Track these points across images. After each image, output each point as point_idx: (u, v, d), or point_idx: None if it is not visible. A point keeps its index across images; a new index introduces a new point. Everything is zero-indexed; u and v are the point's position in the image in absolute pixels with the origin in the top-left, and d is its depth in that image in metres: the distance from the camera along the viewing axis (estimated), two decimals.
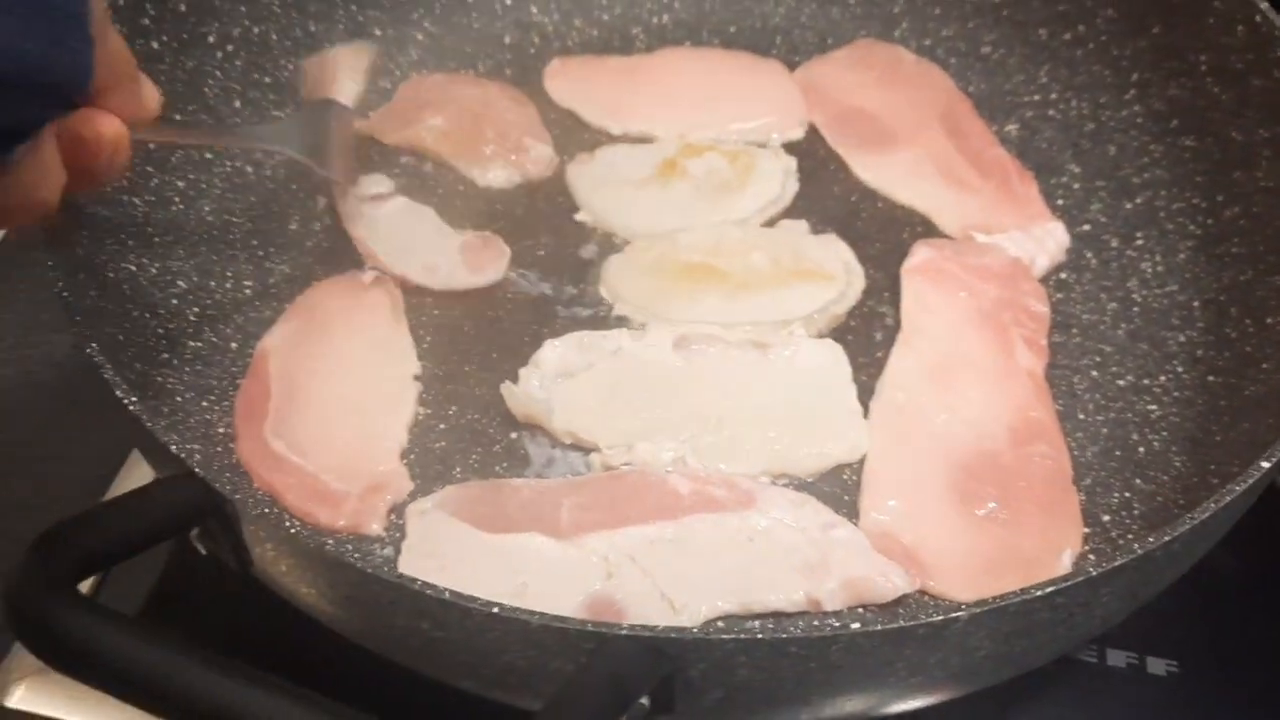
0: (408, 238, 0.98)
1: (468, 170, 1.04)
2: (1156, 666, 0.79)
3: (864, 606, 0.76)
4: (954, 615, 0.53)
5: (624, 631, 0.53)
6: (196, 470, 0.57)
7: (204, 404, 0.84)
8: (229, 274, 0.94)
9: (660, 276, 0.96)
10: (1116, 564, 0.55)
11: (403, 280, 0.95)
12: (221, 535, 0.59)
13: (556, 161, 1.06)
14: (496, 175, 1.04)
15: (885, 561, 0.77)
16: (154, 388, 0.80)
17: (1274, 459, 0.61)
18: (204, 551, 0.60)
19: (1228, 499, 0.58)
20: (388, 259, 0.96)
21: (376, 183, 1.02)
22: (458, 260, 0.97)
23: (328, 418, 0.85)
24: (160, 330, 0.85)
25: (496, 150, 1.05)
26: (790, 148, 1.06)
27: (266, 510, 0.58)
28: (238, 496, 0.56)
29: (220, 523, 0.58)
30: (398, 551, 0.78)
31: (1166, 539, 0.56)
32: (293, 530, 0.57)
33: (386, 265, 0.95)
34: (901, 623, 0.53)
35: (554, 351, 0.90)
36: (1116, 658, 0.79)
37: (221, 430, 0.83)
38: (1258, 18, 0.91)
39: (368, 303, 0.92)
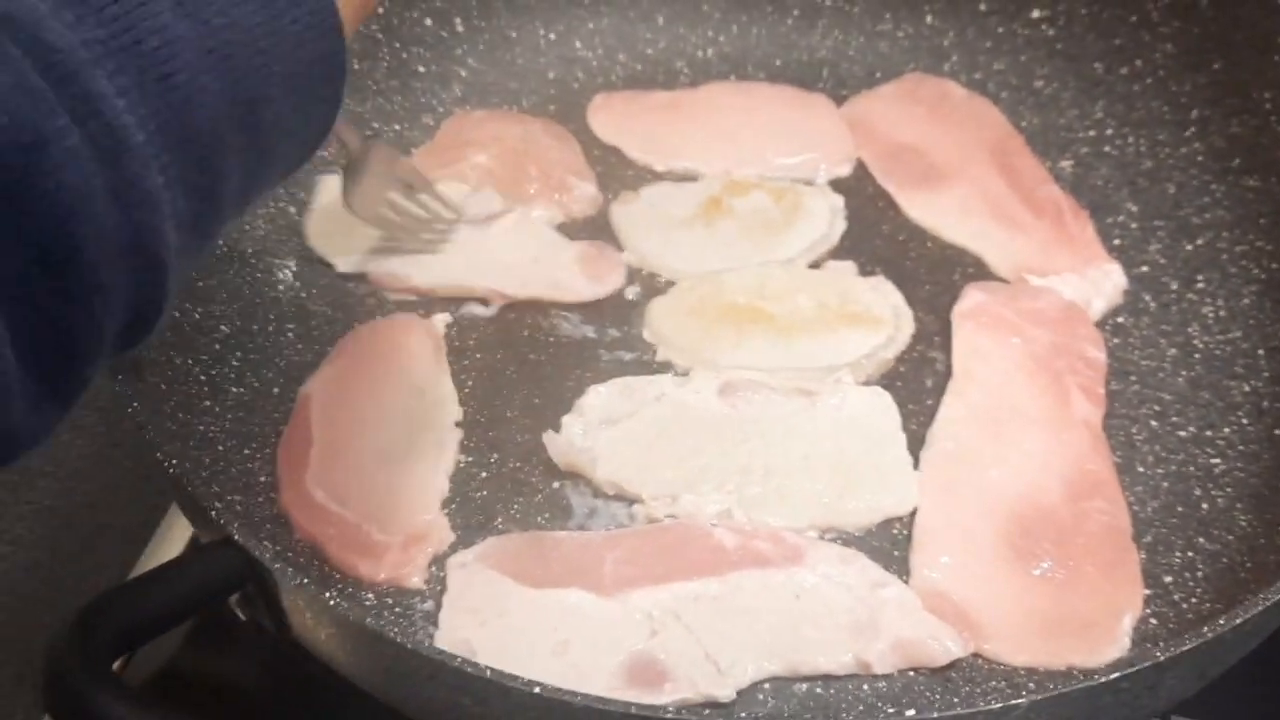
0: (526, 254, 0.98)
1: (512, 208, 1.03)
2: None
3: (915, 670, 0.74)
4: (1014, 703, 0.51)
5: (669, 716, 0.51)
6: (236, 538, 0.55)
7: (246, 452, 0.83)
8: (271, 317, 0.93)
9: (704, 319, 0.94)
10: (1185, 648, 0.52)
11: (528, 300, 0.95)
12: (260, 601, 0.58)
13: (601, 200, 1.04)
14: (539, 214, 1.03)
15: (937, 623, 0.75)
16: (195, 437, 0.80)
17: None
18: (243, 616, 0.59)
19: None
20: (503, 281, 0.96)
21: (486, 201, 1.01)
22: (576, 272, 0.97)
23: (369, 466, 0.84)
24: (203, 377, 0.85)
25: (540, 189, 1.04)
26: (837, 185, 1.04)
27: (305, 580, 0.57)
28: (277, 566, 0.55)
29: (259, 589, 0.57)
30: (438, 605, 0.77)
31: (1238, 621, 0.54)
32: (332, 602, 0.56)
33: (501, 289, 0.95)
34: (959, 709, 0.51)
35: (598, 398, 0.88)
36: None
37: (263, 479, 0.82)
38: None
39: (410, 346, 0.92)
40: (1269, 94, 0.93)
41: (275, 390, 0.89)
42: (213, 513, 0.57)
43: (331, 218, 0.99)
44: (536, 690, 0.52)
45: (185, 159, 0.43)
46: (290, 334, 0.93)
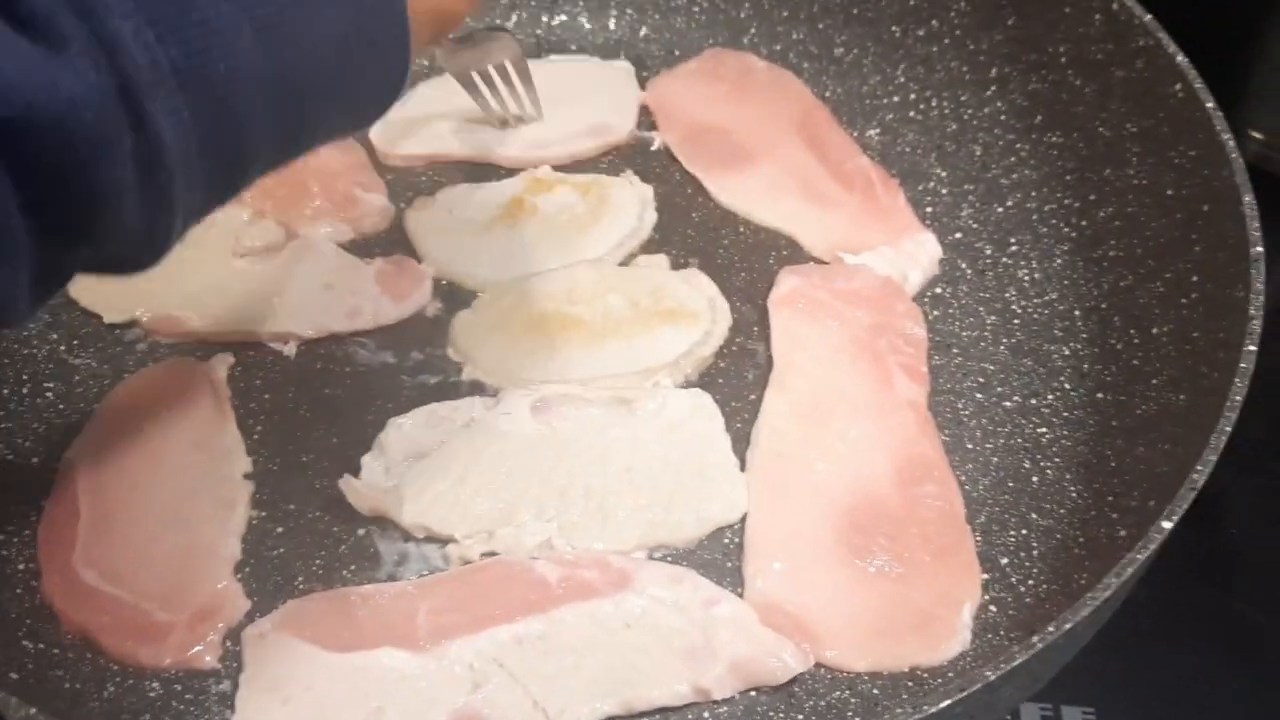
0: (316, 282, 0.89)
1: (294, 230, 0.94)
2: (1073, 715, 0.74)
3: (756, 689, 0.70)
4: None
5: None
6: None
7: (0, 538, 0.74)
8: (25, 377, 0.84)
9: (511, 331, 0.88)
10: (1015, 663, 0.49)
11: (326, 337, 0.87)
12: None
13: (392, 211, 0.97)
14: (326, 233, 0.94)
15: (774, 638, 0.71)
16: None
17: (1174, 515, 0.56)
18: None
19: (1129, 570, 0.53)
20: (295, 321, 0.87)
21: (265, 232, 0.91)
22: (376, 294, 0.89)
23: (147, 535, 0.75)
24: None
25: (324, 205, 0.95)
26: (644, 175, 0.99)
27: (33, 711, 0.49)
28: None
29: None
30: (236, 685, 0.70)
31: (1069, 625, 0.51)
32: None
33: (295, 331, 0.87)
34: None
35: (399, 432, 0.82)
36: (1030, 712, 0.74)
37: (22, 567, 0.73)
38: (1115, 5, 0.87)
39: (186, 395, 0.83)
40: (1064, 48, 0.92)
41: (34, 461, 0.79)
42: None
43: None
44: None
45: (216, 171, 0.49)
46: (49, 394, 0.83)
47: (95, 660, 0.70)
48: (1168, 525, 0.56)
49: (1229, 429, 0.61)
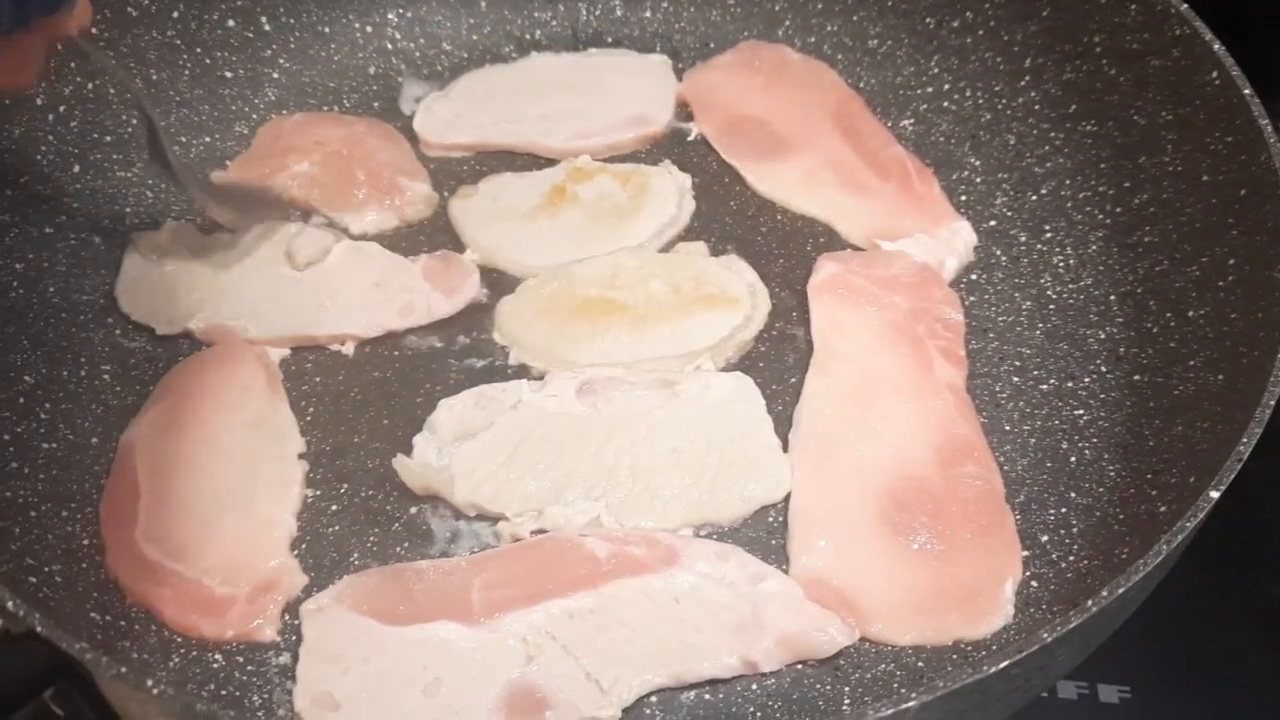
0: (366, 282, 0.91)
1: (340, 218, 0.96)
2: (1109, 694, 0.76)
3: (802, 663, 0.72)
4: (904, 708, 0.48)
5: None
6: (38, 629, 0.49)
7: (64, 514, 0.76)
8: (83, 359, 0.85)
9: (556, 316, 0.90)
10: (1071, 625, 0.50)
11: (382, 335, 0.88)
12: (79, 695, 0.52)
13: (436, 199, 0.99)
14: (372, 220, 0.96)
15: (821, 613, 0.73)
16: (2, 504, 0.72)
17: (1221, 485, 0.58)
18: (60, 713, 0.52)
19: (1179, 538, 0.54)
20: (349, 322, 0.88)
21: (314, 240, 0.92)
22: (426, 290, 0.90)
23: (206, 513, 0.77)
24: (6, 436, 0.77)
25: (370, 194, 0.97)
26: (682, 164, 1.01)
27: (124, 670, 0.50)
28: (89, 656, 0.49)
29: (74, 683, 0.51)
30: (296, 657, 0.71)
31: (1120, 590, 0.52)
32: (156, 690, 0.50)
33: (351, 332, 0.88)
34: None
35: (450, 413, 0.83)
36: (1067, 689, 0.75)
37: (87, 543, 0.75)
38: None
39: (241, 377, 0.85)
40: (1099, 37, 0.93)
41: (94, 441, 0.81)
42: (9, 604, 0.51)
43: (144, 285, 0.90)
44: None
45: None
46: (106, 376, 0.85)
47: (160, 633, 0.72)
48: (1215, 495, 0.57)
49: (1273, 403, 0.62)
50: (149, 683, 0.50)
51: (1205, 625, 0.82)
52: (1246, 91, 0.80)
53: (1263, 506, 0.89)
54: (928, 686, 0.50)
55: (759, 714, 0.70)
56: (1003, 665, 0.50)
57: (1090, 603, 0.52)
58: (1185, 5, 0.85)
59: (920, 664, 0.71)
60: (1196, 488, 0.62)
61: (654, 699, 0.71)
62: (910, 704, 0.49)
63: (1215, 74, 0.82)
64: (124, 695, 0.51)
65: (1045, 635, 0.51)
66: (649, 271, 0.92)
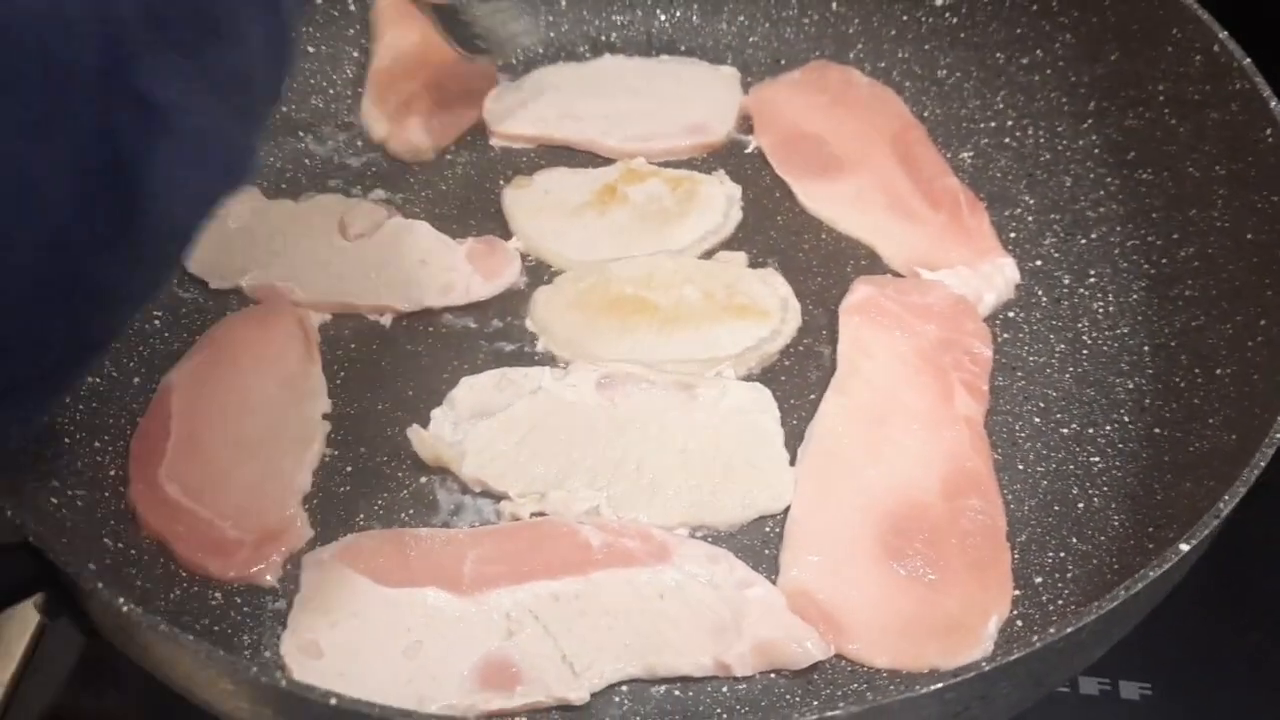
0: (412, 258, 0.94)
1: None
2: (1130, 691, 0.75)
3: (776, 672, 0.72)
4: (829, 715, 0.49)
5: None
6: (31, 540, 0.53)
7: (95, 445, 0.80)
8: None
9: (589, 310, 0.92)
10: (1012, 658, 0.51)
11: (419, 311, 0.91)
12: (63, 604, 0.55)
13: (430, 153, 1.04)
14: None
15: (800, 624, 0.73)
16: (40, 430, 0.77)
17: (1193, 541, 0.57)
18: (43, 618, 0.56)
19: (1139, 585, 0.54)
20: (392, 295, 0.92)
21: (368, 213, 0.96)
22: (468, 272, 0.93)
23: (228, 459, 0.81)
24: None
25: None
26: (735, 175, 1.02)
27: (101, 585, 0.54)
28: (70, 569, 0.52)
29: (60, 593, 0.54)
30: (290, 605, 0.74)
31: (1068, 630, 0.52)
32: (125, 609, 0.53)
33: (392, 304, 0.91)
34: None
35: (470, 391, 0.86)
36: (1089, 685, 0.75)
37: (113, 473, 0.79)
38: (1216, 47, 0.87)
39: (281, 337, 0.89)
40: (1163, 86, 0.92)
41: (135, 380, 0.86)
42: (8, 511, 0.54)
43: (205, 241, 0.94)
44: (333, 702, 0.50)
45: None
46: (157, 321, 0.90)
47: (166, 566, 0.76)
48: (1184, 548, 0.57)
49: (1263, 464, 0.61)
50: (120, 601, 0.53)
51: (1227, 623, 0.82)
52: None
53: None
54: (857, 699, 0.50)
55: (725, 716, 0.71)
56: (936, 687, 0.50)
57: (1036, 640, 0.52)
58: (1248, 60, 0.84)
59: (891, 688, 0.71)
60: (1174, 538, 0.61)
61: (625, 689, 0.72)
62: (836, 713, 0.49)
63: (1269, 131, 0.80)
64: (102, 610, 0.55)
65: (984, 664, 0.51)
66: (685, 276, 0.93)
